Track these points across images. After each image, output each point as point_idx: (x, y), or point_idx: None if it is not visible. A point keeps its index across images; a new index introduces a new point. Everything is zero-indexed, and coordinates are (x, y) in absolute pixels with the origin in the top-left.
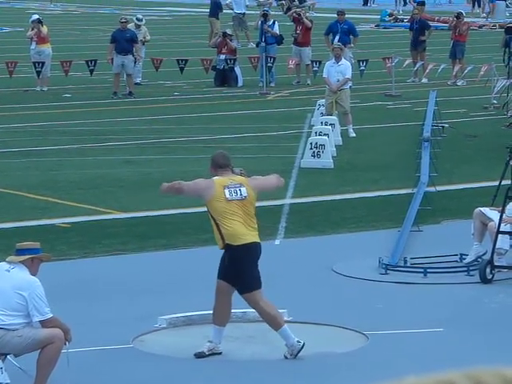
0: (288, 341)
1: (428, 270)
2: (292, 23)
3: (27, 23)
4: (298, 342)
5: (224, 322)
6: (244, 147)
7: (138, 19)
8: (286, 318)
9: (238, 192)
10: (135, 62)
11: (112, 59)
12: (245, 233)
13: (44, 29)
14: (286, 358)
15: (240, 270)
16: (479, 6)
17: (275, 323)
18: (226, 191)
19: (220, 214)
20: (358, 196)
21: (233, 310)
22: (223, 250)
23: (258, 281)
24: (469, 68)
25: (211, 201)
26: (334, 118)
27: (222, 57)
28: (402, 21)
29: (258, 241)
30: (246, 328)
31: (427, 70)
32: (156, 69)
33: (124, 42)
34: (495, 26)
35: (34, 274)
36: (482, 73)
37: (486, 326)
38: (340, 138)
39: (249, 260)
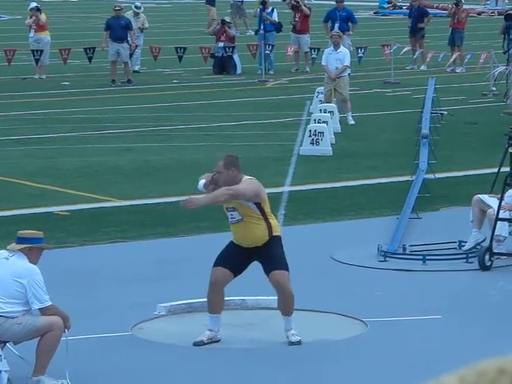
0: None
1: (427, 258)
2: (290, 11)
3: (26, 11)
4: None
5: (220, 310)
6: (243, 135)
7: (136, 7)
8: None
9: None
10: (130, 50)
11: (107, 47)
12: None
13: (42, 17)
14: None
15: (283, 253)
16: None
17: (289, 309)
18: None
19: (268, 209)
20: (357, 183)
21: (232, 298)
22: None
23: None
24: (468, 56)
25: (265, 199)
26: (332, 106)
27: (221, 44)
28: (401, 8)
29: None
30: (245, 315)
31: (428, 59)
32: (154, 57)
33: (119, 29)
34: (494, 12)
35: (33, 262)
36: (481, 60)
37: (485, 313)
38: (339, 126)
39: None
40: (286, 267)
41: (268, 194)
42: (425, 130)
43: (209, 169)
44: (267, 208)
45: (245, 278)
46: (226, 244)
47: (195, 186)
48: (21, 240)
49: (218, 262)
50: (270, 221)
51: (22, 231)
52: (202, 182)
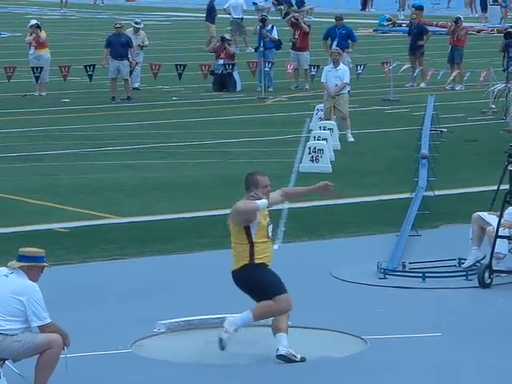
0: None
1: (426, 275)
2: (290, 28)
3: (26, 28)
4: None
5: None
6: (242, 152)
7: (136, 23)
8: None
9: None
10: (131, 67)
11: (107, 64)
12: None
13: (42, 34)
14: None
15: None
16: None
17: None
18: None
19: None
20: (357, 201)
21: (233, 315)
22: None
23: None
24: (468, 74)
25: None
26: (332, 123)
27: (221, 62)
28: (401, 25)
29: (233, 269)
30: (247, 332)
31: (428, 77)
32: (154, 75)
33: (119, 46)
34: (493, 30)
35: (33, 280)
36: (481, 79)
37: (485, 330)
38: (338, 143)
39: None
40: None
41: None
42: (424, 151)
43: (209, 185)
44: None
45: (245, 295)
46: (262, 269)
47: (195, 203)
48: (21, 258)
49: (283, 287)
50: None
51: (23, 249)
52: (264, 201)
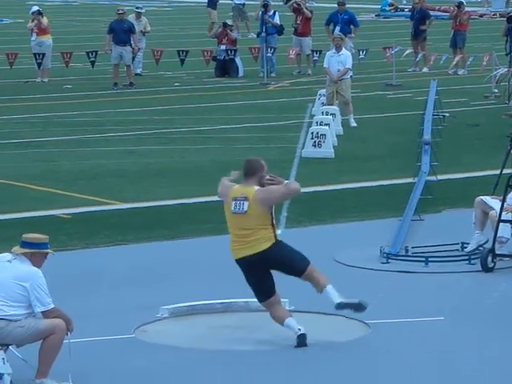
0: (292, 331)
1: (429, 259)
2: (292, 13)
3: (27, 14)
4: (299, 329)
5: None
6: (245, 137)
7: (137, 8)
8: (287, 308)
9: (241, 206)
10: (133, 53)
11: (110, 50)
12: (235, 249)
13: (44, 20)
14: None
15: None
16: None
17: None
18: (233, 203)
19: (228, 223)
20: (359, 185)
21: (235, 300)
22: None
23: (262, 293)
24: (470, 59)
25: (224, 208)
26: (334, 108)
27: (223, 47)
28: (403, 10)
29: (254, 252)
30: (250, 318)
31: (431, 62)
32: (156, 61)
33: (122, 32)
34: (496, 14)
35: (37, 266)
36: (484, 63)
37: (488, 314)
38: (341, 128)
39: (245, 272)
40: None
41: None
42: (426, 137)
43: (210, 171)
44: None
45: (243, 280)
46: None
47: (196, 189)
48: (24, 244)
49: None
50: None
51: (26, 235)
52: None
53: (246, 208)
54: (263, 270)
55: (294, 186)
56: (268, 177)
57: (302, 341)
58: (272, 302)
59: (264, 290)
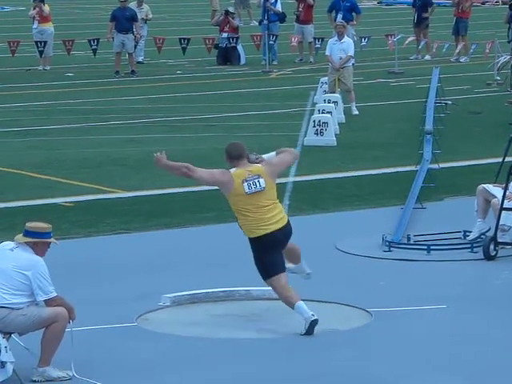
0: (303, 316)
1: (431, 247)
2: (294, 1)
3: (29, 2)
4: (312, 315)
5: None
6: (247, 125)
7: None
8: None
9: (258, 184)
10: (135, 41)
11: (112, 38)
12: (261, 225)
13: (46, 8)
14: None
15: (256, 258)
16: None
17: (289, 303)
18: (245, 185)
19: (238, 207)
20: (361, 173)
21: (236, 288)
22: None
23: (275, 267)
24: (473, 47)
25: (230, 195)
26: (336, 96)
27: (225, 35)
28: None
29: (279, 226)
30: (251, 306)
31: (434, 50)
32: (158, 48)
33: (124, 20)
34: (498, 2)
35: (40, 255)
36: (487, 50)
37: (490, 302)
38: (343, 116)
39: (266, 248)
40: (265, 274)
41: None
42: (428, 126)
43: (213, 159)
44: (236, 208)
45: (249, 269)
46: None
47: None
48: (27, 233)
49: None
50: (239, 221)
51: (29, 223)
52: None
53: (263, 184)
54: (282, 247)
55: (295, 152)
56: (255, 157)
57: (312, 327)
58: (282, 277)
59: (278, 263)
